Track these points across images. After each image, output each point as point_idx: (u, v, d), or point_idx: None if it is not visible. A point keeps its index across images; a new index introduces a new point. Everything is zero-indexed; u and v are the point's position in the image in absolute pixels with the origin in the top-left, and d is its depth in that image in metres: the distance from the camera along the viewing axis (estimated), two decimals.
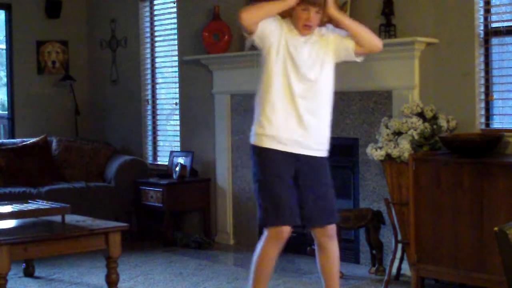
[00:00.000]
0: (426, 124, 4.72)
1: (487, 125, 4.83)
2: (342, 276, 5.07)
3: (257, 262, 3.58)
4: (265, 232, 3.57)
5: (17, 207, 4.75)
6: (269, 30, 3.52)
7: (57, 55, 7.71)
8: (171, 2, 6.98)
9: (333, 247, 3.67)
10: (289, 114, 3.51)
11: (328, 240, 3.64)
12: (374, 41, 3.64)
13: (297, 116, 3.52)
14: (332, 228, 3.64)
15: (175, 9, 6.91)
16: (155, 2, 7.20)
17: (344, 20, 3.61)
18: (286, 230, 3.53)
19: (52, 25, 7.68)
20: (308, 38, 3.57)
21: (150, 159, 7.28)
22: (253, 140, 3.60)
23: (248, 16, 3.46)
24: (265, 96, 3.55)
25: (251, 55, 5.34)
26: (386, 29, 5.16)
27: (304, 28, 3.53)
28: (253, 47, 3.68)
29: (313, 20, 3.53)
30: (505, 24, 4.75)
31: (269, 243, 3.54)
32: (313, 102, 3.54)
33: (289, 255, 5.67)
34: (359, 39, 3.60)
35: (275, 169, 3.51)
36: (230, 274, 5.26)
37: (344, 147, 5.54)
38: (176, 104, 6.96)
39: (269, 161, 3.53)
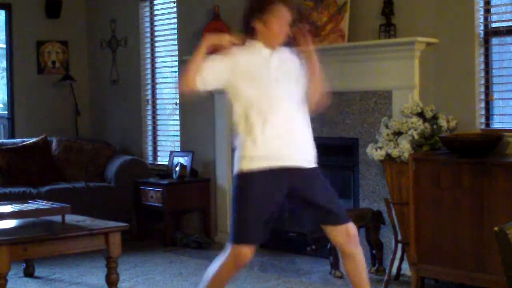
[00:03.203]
0: (426, 124, 4.72)
1: (487, 125, 4.83)
2: (342, 276, 5.07)
3: (211, 280, 3.53)
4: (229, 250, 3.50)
5: (17, 207, 4.75)
6: (218, 73, 3.43)
7: (57, 55, 7.71)
8: (171, 2, 6.98)
9: (359, 252, 3.53)
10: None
11: (351, 243, 3.49)
12: (316, 99, 3.57)
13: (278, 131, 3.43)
14: (353, 228, 3.51)
15: (175, 9, 6.91)
16: (155, 2, 7.20)
17: (315, 63, 3.58)
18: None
19: (52, 25, 7.68)
20: (275, 52, 3.51)
21: (150, 159, 7.28)
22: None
23: (189, 86, 3.41)
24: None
25: None
26: (386, 29, 5.16)
27: (281, 35, 3.47)
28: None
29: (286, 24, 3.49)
30: (505, 24, 4.75)
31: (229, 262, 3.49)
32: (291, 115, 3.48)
33: (289, 255, 5.67)
34: (312, 88, 3.55)
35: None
36: None
37: (344, 147, 5.54)
38: (176, 104, 6.96)
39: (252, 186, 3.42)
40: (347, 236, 3.49)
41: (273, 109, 3.41)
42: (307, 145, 3.55)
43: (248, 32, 3.51)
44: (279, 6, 3.46)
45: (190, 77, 3.40)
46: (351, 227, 3.51)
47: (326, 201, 3.49)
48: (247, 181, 3.40)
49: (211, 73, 3.43)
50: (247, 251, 3.43)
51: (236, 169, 3.46)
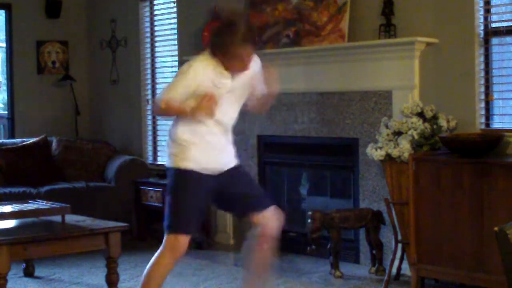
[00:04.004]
0: (426, 124, 4.72)
1: (487, 125, 4.83)
2: (342, 276, 5.07)
3: (150, 271, 3.72)
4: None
5: (17, 207, 4.75)
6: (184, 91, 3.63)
7: (57, 55, 7.71)
8: (171, 2, 6.98)
9: (271, 244, 3.77)
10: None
11: (271, 222, 3.73)
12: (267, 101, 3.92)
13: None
14: (272, 210, 3.77)
15: (175, 9, 6.92)
16: (155, 2, 7.20)
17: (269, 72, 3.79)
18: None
19: (52, 25, 7.68)
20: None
21: (150, 159, 7.28)
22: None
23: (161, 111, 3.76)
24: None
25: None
26: (386, 29, 5.16)
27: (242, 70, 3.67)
28: None
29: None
30: (505, 24, 4.75)
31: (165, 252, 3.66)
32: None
33: (289, 255, 5.67)
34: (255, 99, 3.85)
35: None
36: (230, 274, 5.26)
37: (344, 147, 5.54)
38: None
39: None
40: (268, 217, 3.74)
41: (215, 123, 3.67)
42: (231, 149, 3.82)
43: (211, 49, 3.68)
44: (241, 48, 3.57)
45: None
46: (272, 209, 3.76)
47: (250, 190, 3.81)
48: (183, 176, 3.67)
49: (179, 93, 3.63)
50: (184, 240, 3.61)
51: (172, 164, 3.76)
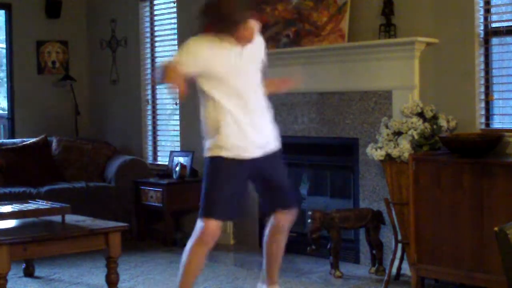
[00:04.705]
0: (426, 124, 4.72)
1: (487, 125, 4.83)
2: (342, 276, 5.07)
3: (185, 262, 3.74)
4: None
5: (17, 207, 4.75)
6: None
7: (57, 55, 7.71)
8: (171, 2, 6.98)
9: (288, 225, 3.93)
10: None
11: (288, 222, 3.89)
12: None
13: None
14: (295, 213, 3.90)
15: (175, 9, 6.91)
16: (155, 2, 7.20)
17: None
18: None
19: (52, 25, 7.68)
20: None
21: (150, 159, 7.28)
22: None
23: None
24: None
25: None
26: (386, 29, 5.16)
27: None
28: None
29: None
30: (505, 24, 4.75)
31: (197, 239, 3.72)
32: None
33: (289, 255, 5.66)
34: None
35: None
36: (230, 274, 5.26)
37: (344, 147, 5.54)
38: (176, 104, 6.96)
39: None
40: (287, 216, 3.87)
41: (238, 99, 3.64)
42: (268, 129, 3.78)
43: (202, 28, 3.70)
44: (247, 22, 3.57)
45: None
46: (294, 212, 3.89)
47: (282, 183, 3.82)
48: (213, 163, 3.67)
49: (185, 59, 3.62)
50: (213, 225, 3.64)
51: (204, 153, 3.73)
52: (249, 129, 3.64)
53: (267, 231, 3.95)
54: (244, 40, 3.61)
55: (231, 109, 3.61)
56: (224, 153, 3.63)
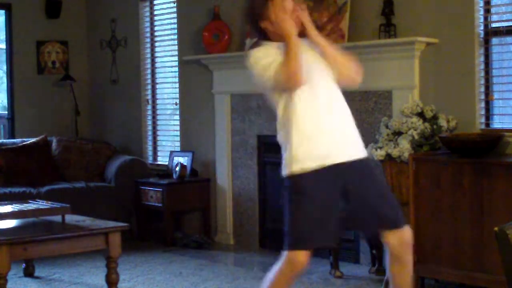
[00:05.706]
0: (426, 124, 4.72)
1: (487, 125, 4.83)
2: (342, 276, 5.07)
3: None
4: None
5: (17, 207, 4.75)
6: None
7: (57, 55, 7.71)
8: (171, 2, 6.98)
9: (410, 259, 3.29)
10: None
11: (404, 248, 3.24)
12: (353, 70, 3.34)
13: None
14: (408, 234, 3.25)
15: (175, 9, 6.91)
16: (155, 2, 7.20)
17: (320, 41, 3.31)
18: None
19: (52, 25, 7.68)
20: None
21: (150, 159, 7.28)
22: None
23: (300, 79, 3.13)
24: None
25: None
26: (386, 29, 5.16)
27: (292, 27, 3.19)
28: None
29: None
30: (505, 24, 4.75)
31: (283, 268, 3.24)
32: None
33: None
34: (337, 65, 3.30)
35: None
36: (230, 274, 5.26)
37: None
38: (176, 104, 6.96)
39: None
40: (400, 241, 3.23)
41: (312, 100, 3.19)
42: (352, 135, 3.27)
43: (261, 35, 3.32)
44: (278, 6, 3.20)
45: (299, 74, 3.12)
46: (407, 232, 3.24)
47: (379, 201, 3.21)
48: (292, 184, 3.18)
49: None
50: (302, 257, 3.17)
51: (285, 171, 3.21)
52: (326, 134, 3.18)
53: (386, 260, 3.37)
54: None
55: (306, 108, 3.18)
56: (300, 167, 3.14)
